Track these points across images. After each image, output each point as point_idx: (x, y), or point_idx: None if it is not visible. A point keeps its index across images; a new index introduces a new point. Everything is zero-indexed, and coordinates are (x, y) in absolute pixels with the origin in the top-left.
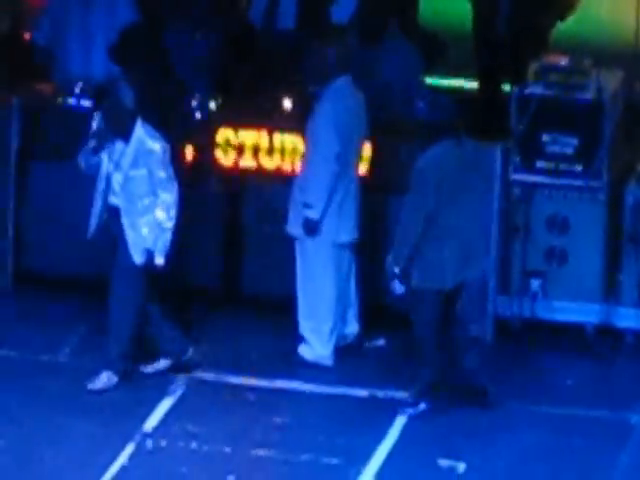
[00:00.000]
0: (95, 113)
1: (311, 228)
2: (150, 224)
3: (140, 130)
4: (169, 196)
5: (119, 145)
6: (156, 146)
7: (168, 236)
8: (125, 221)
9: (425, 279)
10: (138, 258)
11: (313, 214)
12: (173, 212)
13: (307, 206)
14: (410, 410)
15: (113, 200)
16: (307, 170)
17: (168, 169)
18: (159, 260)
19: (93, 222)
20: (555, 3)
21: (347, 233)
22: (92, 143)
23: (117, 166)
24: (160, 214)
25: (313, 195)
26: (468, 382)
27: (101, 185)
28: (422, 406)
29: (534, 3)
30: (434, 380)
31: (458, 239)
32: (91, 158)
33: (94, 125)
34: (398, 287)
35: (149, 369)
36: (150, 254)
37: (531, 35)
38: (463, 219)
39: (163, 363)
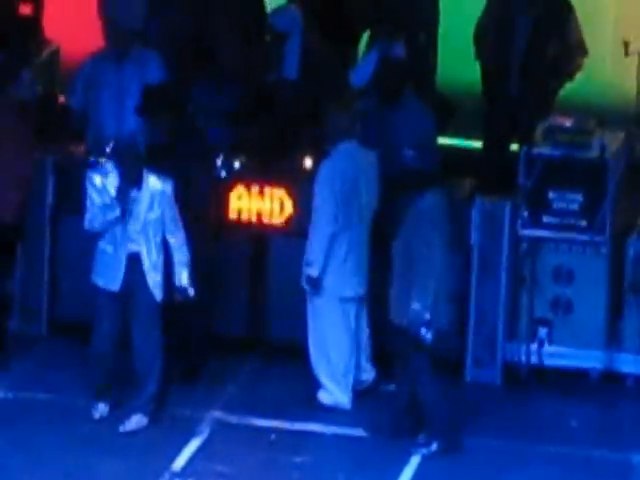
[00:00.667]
0: (95, 176)
1: (313, 285)
2: (179, 266)
3: (149, 174)
4: (179, 236)
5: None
6: (168, 187)
7: (189, 270)
8: (146, 264)
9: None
10: (159, 296)
11: (313, 271)
12: (185, 248)
13: (307, 264)
14: (424, 450)
15: (132, 248)
16: (311, 229)
17: (175, 208)
18: (191, 292)
19: (118, 275)
20: (563, 67)
21: (352, 289)
22: (107, 201)
23: (131, 214)
24: (176, 255)
25: (312, 254)
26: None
27: (116, 237)
28: (434, 446)
29: (545, 67)
30: (443, 422)
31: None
32: (109, 214)
33: (109, 185)
34: (429, 335)
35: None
36: (178, 290)
37: (540, 97)
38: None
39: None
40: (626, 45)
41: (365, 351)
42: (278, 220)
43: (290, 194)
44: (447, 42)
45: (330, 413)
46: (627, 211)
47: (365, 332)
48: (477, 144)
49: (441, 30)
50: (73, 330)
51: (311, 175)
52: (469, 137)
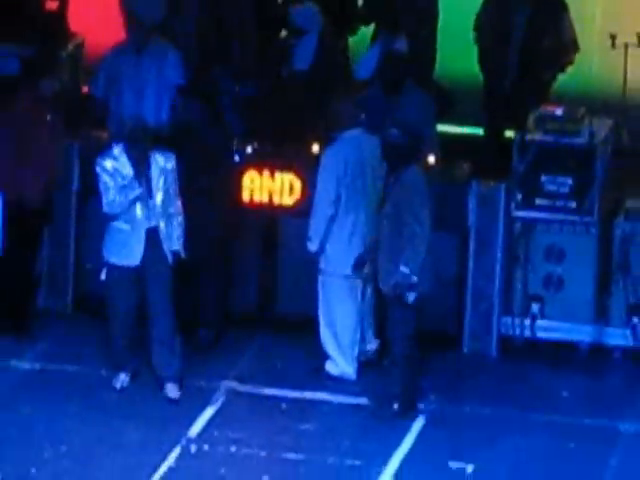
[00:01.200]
0: (105, 162)
1: (313, 258)
2: (176, 230)
3: (155, 153)
4: (177, 205)
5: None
6: (172, 163)
7: (184, 236)
8: (163, 236)
9: (421, 287)
10: (170, 261)
11: (312, 246)
12: (181, 217)
13: (308, 239)
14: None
15: (151, 223)
16: (312, 209)
17: (176, 182)
18: (183, 255)
19: (138, 250)
20: (557, 61)
21: (335, 261)
22: (124, 182)
23: (150, 191)
24: (175, 223)
25: (311, 231)
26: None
27: (134, 215)
28: (396, 407)
29: (540, 61)
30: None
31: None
32: (130, 193)
33: (121, 168)
34: (412, 296)
35: None
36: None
37: (536, 88)
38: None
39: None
40: (613, 38)
41: (369, 324)
42: (288, 201)
43: (299, 177)
44: (446, 35)
45: (336, 383)
46: (614, 194)
47: (369, 306)
48: (473, 131)
49: (440, 24)
50: (97, 306)
51: (318, 160)
52: (466, 124)
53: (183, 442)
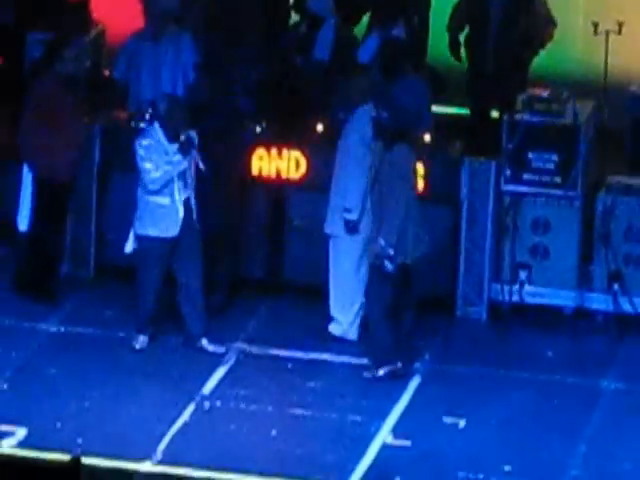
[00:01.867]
0: (143, 141)
1: (351, 228)
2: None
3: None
4: (192, 175)
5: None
6: (196, 138)
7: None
8: (193, 205)
9: (401, 258)
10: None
11: (352, 216)
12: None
13: (346, 210)
14: (369, 374)
15: (186, 194)
16: (345, 179)
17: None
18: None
19: (177, 221)
20: (535, 37)
21: (366, 228)
22: (168, 158)
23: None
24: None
25: (352, 201)
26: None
27: (173, 188)
28: (381, 372)
29: (517, 38)
30: (385, 349)
31: (413, 222)
32: (176, 167)
33: (159, 145)
34: (389, 266)
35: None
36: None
37: (516, 66)
38: (414, 206)
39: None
40: (595, 26)
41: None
42: (294, 177)
43: (304, 154)
44: (437, 23)
45: (339, 344)
46: (597, 170)
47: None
48: (465, 111)
49: (432, 13)
50: (117, 273)
51: (322, 138)
52: (459, 105)
53: (197, 399)
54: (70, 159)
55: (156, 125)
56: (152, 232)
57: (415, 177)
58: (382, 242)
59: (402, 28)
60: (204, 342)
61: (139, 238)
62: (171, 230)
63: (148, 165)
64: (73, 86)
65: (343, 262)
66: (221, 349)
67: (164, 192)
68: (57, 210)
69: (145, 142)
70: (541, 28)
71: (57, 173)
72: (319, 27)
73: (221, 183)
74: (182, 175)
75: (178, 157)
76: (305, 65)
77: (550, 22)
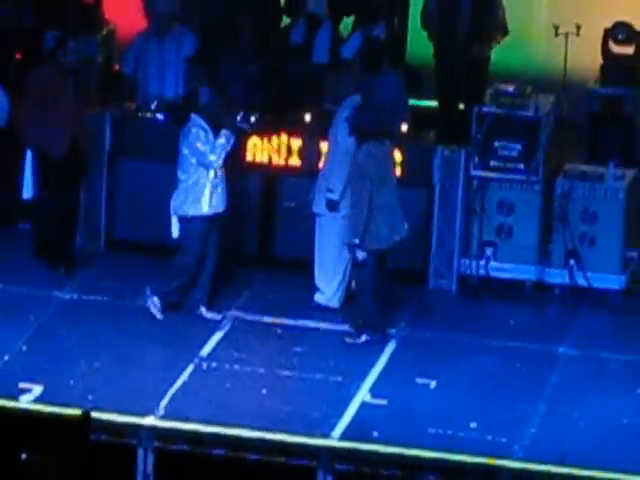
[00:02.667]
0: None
1: (332, 206)
2: None
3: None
4: None
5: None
6: None
7: None
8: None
9: (372, 244)
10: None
11: (334, 196)
12: None
13: (329, 190)
14: (350, 340)
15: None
16: (330, 163)
17: None
18: None
19: (224, 198)
20: (492, 38)
21: (346, 209)
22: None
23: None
24: None
25: (335, 183)
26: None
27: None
28: (363, 338)
29: (480, 40)
30: (371, 318)
31: (387, 212)
32: (227, 146)
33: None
34: (361, 254)
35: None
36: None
37: (479, 64)
38: (390, 197)
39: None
40: (556, 28)
41: (350, 262)
42: (285, 162)
43: (294, 142)
44: (415, 24)
45: (323, 312)
46: (556, 157)
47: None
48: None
49: (411, 15)
50: (125, 247)
51: (311, 128)
52: (431, 98)
53: (195, 361)
54: (62, 137)
55: (194, 115)
56: (208, 210)
57: (393, 168)
58: (351, 238)
59: (382, 28)
60: (203, 310)
61: (192, 219)
62: (221, 206)
63: (204, 147)
64: (72, 75)
65: (327, 238)
66: (217, 317)
67: (219, 175)
68: (55, 180)
69: (194, 130)
70: (498, 30)
71: (50, 148)
72: (317, 29)
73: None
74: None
75: (224, 133)
76: (304, 66)
77: (504, 29)
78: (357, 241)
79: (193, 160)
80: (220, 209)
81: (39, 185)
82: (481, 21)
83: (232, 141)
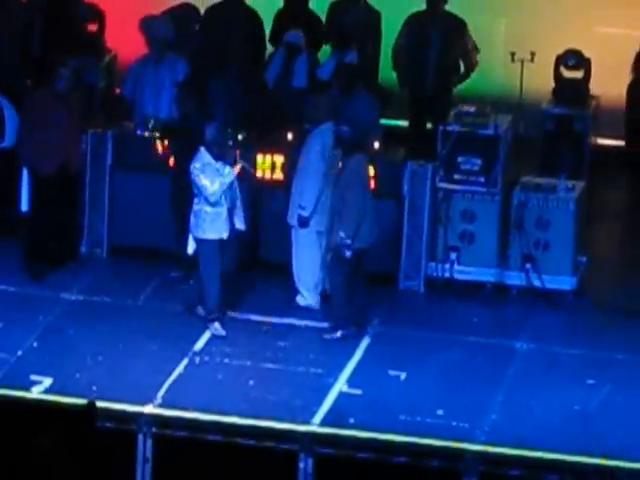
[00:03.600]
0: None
1: (303, 222)
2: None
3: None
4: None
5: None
6: (237, 156)
7: None
8: (237, 207)
9: (357, 243)
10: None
11: (305, 213)
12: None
13: (301, 207)
14: (328, 336)
15: (229, 205)
16: (303, 182)
17: None
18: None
19: (228, 226)
20: (464, 66)
21: (324, 224)
22: (222, 171)
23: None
24: None
25: (306, 200)
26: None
27: (225, 198)
28: (339, 334)
29: (449, 68)
30: (344, 315)
31: (368, 216)
32: (227, 178)
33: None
34: (348, 253)
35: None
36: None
37: (446, 90)
38: (369, 203)
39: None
40: (512, 55)
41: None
42: (269, 177)
43: (278, 158)
44: (387, 50)
45: (304, 311)
46: (513, 171)
47: (328, 255)
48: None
49: (383, 41)
50: (126, 253)
51: (293, 145)
52: (401, 118)
53: (190, 355)
54: (52, 156)
55: (201, 149)
56: (211, 235)
57: (369, 179)
58: (342, 234)
59: (355, 54)
60: (199, 309)
61: (200, 241)
62: (224, 232)
63: (205, 182)
64: (64, 100)
65: (302, 247)
66: (211, 317)
67: (220, 203)
68: (45, 195)
69: (198, 165)
70: (470, 56)
71: (40, 166)
72: (295, 58)
73: None
74: (228, 188)
75: (228, 169)
76: (285, 91)
77: (475, 50)
78: (349, 241)
79: (196, 190)
80: (223, 235)
81: (31, 199)
82: (449, 54)
83: (232, 178)
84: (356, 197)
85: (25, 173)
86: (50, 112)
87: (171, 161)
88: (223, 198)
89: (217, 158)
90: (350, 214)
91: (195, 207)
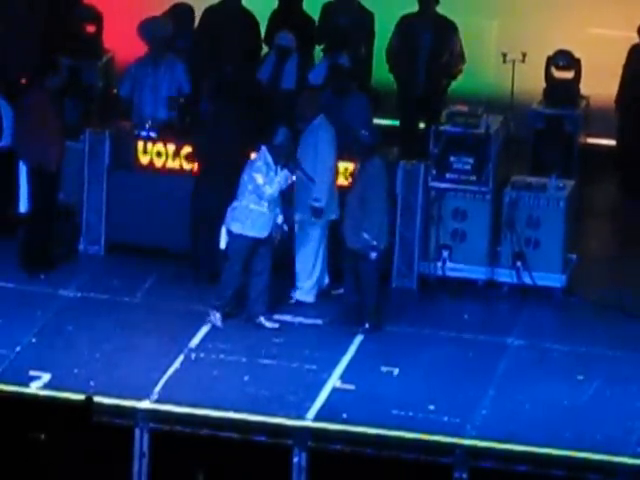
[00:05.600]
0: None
1: (317, 213)
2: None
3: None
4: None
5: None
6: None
7: None
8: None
9: (384, 243)
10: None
11: (320, 204)
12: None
13: (315, 199)
14: (360, 328)
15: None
16: (315, 175)
17: None
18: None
19: (270, 225)
20: (450, 70)
21: (334, 213)
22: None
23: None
24: None
25: (320, 192)
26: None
27: (272, 199)
28: (366, 326)
29: (439, 71)
30: (374, 311)
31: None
32: (284, 183)
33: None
34: (374, 254)
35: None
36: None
37: (437, 92)
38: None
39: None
40: (504, 55)
41: (324, 265)
42: None
43: None
44: (380, 52)
45: (300, 308)
46: (504, 170)
47: (325, 251)
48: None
49: (376, 44)
50: (123, 250)
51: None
52: (395, 119)
53: (185, 351)
54: (55, 153)
55: (264, 149)
56: (251, 233)
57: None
58: (366, 236)
59: (346, 57)
60: (263, 320)
61: (236, 236)
62: (264, 232)
63: (261, 180)
64: (57, 97)
65: (307, 242)
66: (275, 325)
67: (269, 203)
68: (49, 194)
69: (259, 163)
70: (456, 63)
71: (46, 165)
72: (286, 60)
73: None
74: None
75: (284, 173)
76: (274, 93)
77: (462, 59)
78: (375, 242)
79: (250, 187)
80: (262, 235)
81: (34, 199)
82: (440, 56)
83: (289, 182)
84: (379, 199)
85: (23, 173)
86: (46, 109)
87: (195, 165)
88: (273, 199)
89: (277, 162)
90: (374, 216)
91: (240, 203)
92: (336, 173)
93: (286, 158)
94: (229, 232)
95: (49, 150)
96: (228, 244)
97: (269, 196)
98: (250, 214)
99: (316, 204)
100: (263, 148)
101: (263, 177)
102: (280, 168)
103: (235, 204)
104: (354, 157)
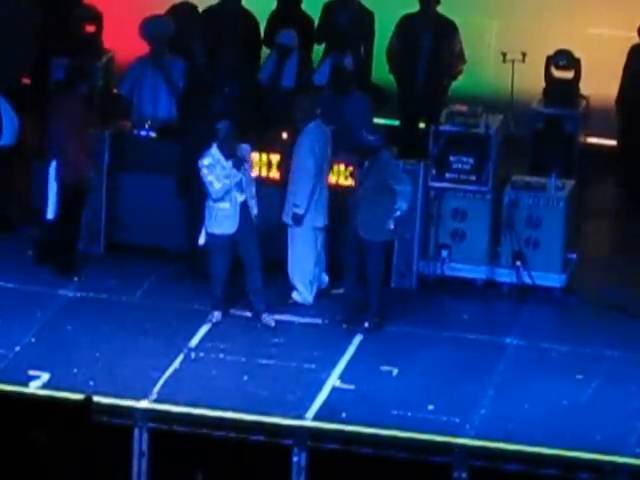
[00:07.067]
0: (205, 160)
1: (297, 220)
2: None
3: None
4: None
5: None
6: (250, 152)
7: None
8: (250, 206)
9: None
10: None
11: (300, 210)
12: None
13: (295, 205)
14: (363, 326)
15: (241, 199)
16: (296, 181)
17: None
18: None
19: (235, 222)
20: (451, 70)
21: (320, 221)
22: (227, 171)
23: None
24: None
25: (300, 198)
26: None
27: (231, 195)
28: (366, 324)
29: (439, 71)
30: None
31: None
32: (233, 179)
33: (221, 160)
34: (395, 239)
35: None
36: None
37: (438, 91)
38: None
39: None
40: (504, 55)
41: (322, 265)
42: (266, 174)
43: (273, 156)
44: (380, 51)
45: (299, 307)
46: (504, 170)
47: (323, 252)
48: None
49: (376, 43)
50: (122, 250)
51: (287, 144)
52: (395, 118)
53: (185, 351)
54: (88, 162)
55: (214, 146)
56: (217, 230)
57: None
58: (391, 224)
59: (350, 57)
60: (265, 317)
61: (207, 234)
62: (231, 228)
63: (210, 178)
64: (88, 103)
65: (298, 245)
66: (273, 323)
67: (225, 199)
68: (77, 204)
69: (207, 161)
70: (456, 63)
71: (80, 173)
72: (287, 58)
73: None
74: (238, 184)
75: (234, 171)
76: (274, 90)
77: (462, 59)
78: (394, 228)
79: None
80: (230, 231)
81: (62, 207)
82: (441, 56)
83: (238, 179)
84: (402, 180)
85: (52, 181)
86: (81, 117)
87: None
88: (231, 194)
89: (227, 157)
90: (393, 205)
91: (207, 202)
92: (327, 176)
93: (230, 151)
94: (205, 231)
95: (83, 159)
96: (205, 242)
97: (217, 192)
98: (212, 212)
99: (296, 210)
100: (213, 147)
101: (209, 175)
102: (232, 163)
103: (207, 203)
104: (360, 158)
